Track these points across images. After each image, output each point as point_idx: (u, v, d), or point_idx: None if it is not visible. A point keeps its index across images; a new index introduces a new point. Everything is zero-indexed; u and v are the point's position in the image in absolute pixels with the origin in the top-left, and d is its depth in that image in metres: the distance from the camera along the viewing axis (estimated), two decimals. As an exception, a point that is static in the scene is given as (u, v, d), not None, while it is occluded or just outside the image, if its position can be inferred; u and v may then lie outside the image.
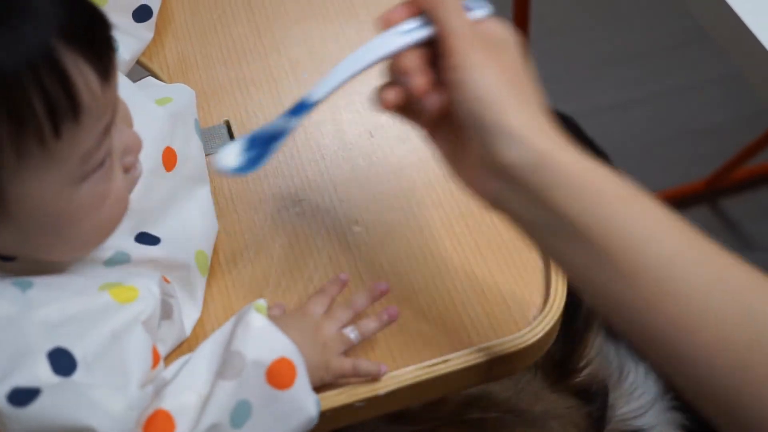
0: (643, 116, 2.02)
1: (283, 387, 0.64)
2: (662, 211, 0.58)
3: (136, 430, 0.61)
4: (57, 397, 0.58)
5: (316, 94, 0.65)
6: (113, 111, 0.60)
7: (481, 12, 0.64)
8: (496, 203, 0.63)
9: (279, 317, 0.70)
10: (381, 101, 0.64)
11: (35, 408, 0.58)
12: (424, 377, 0.72)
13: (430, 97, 0.63)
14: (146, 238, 0.71)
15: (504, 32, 0.63)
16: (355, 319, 0.72)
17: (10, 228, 0.60)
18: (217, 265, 0.78)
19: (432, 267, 0.78)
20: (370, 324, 0.73)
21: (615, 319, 0.59)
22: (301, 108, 0.65)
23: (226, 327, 0.68)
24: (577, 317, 0.98)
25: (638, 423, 1.00)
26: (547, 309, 0.75)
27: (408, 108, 0.66)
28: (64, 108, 0.54)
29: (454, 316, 0.75)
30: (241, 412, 0.63)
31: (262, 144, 0.65)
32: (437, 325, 0.75)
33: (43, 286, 0.63)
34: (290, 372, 0.65)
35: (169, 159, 0.75)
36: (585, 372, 0.98)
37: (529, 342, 0.74)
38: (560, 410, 0.94)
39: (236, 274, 0.78)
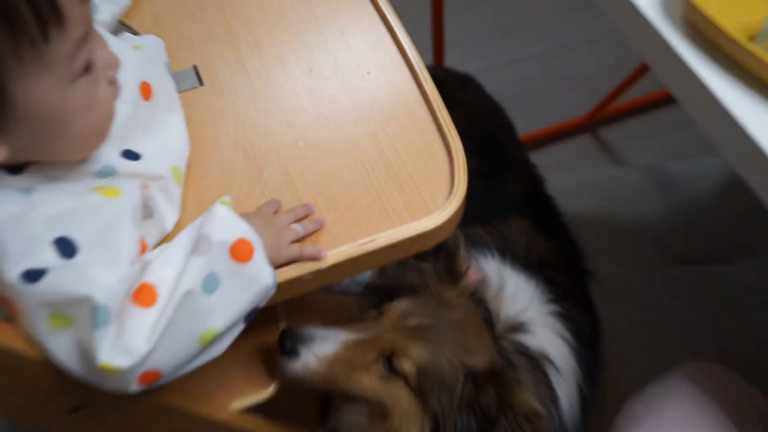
0: (535, 70, 2.03)
1: (244, 260, 0.64)
2: None
3: (125, 299, 0.60)
4: (60, 275, 0.58)
5: None
6: (89, 22, 0.59)
7: None
8: None
9: (244, 213, 0.68)
10: None
11: (43, 284, 0.57)
12: (357, 253, 0.72)
13: None
14: (130, 155, 0.69)
15: None
16: (298, 221, 0.72)
17: (20, 131, 0.59)
18: (190, 177, 0.76)
19: (360, 170, 0.77)
20: (309, 224, 0.73)
21: None
22: None
23: (196, 221, 0.66)
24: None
25: (523, 318, 1.00)
26: (452, 197, 0.74)
27: None
28: (49, 15, 0.54)
29: (379, 206, 0.74)
30: (211, 282, 0.62)
31: None
32: (366, 214, 0.74)
33: (42, 191, 0.62)
34: (249, 249, 0.64)
35: (146, 90, 0.73)
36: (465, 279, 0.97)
37: (439, 223, 0.73)
38: (470, 314, 0.94)
39: (207, 183, 0.76)
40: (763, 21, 0.79)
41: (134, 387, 0.61)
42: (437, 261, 0.98)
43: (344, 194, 0.75)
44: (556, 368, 0.98)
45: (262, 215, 0.70)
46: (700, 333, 1.46)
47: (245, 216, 0.67)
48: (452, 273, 0.95)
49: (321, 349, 0.85)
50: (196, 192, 0.75)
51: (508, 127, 1.40)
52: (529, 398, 0.87)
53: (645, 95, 1.92)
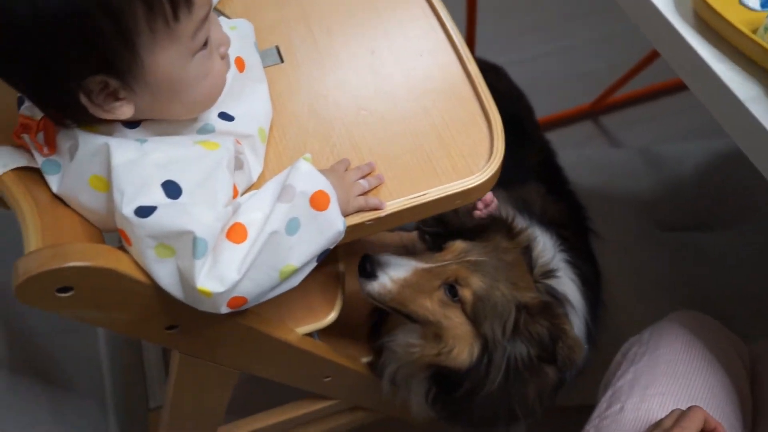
0: (549, 65, 1.96)
1: (321, 209, 0.62)
2: None
3: (220, 235, 0.58)
4: (167, 212, 0.56)
5: None
6: (209, 5, 0.58)
7: None
8: None
9: (322, 169, 0.66)
10: None
11: (153, 219, 0.56)
12: (410, 205, 0.69)
13: None
14: (225, 116, 0.67)
15: None
16: (364, 177, 0.70)
17: (145, 94, 0.57)
18: (272, 138, 0.73)
19: (413, 136, 0.74)
20: (372, 180, 0.70)
21: None
22: None
23: (283, 173, 0.64)
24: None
25: (550, 266, 0.98)
26: (491, 160, 0.71)
27: None
28: (181, 0, 0.53)
29: (429, 167, 0.71)
30: (293, 225, 0.60)
31: None
32: (418, 173, 0.71)
33: (154, 141, 0.61)
34: (326, 200, 0.62)
35: (240, 64, 0.71)
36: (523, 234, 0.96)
37: (480, 182, 0.70)
38: (520, 259, 0.92)
39: (285, 143, 0.73)
40: (765, 17, 0.74)
41: (223, 309, 0.60)
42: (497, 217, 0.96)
43: (399, 156, 0.72)
44: (573, 307, 0.95)
45: (335, 171, 0.68)
46: (681, 288, 1.42)
47: (322, 171, 0.65)
48: (510, 228, 0.94)
49: (395, 273, 0.85)
50: (277, 150, 0.72)
51: (529, 110, 1.36)
52: (573, 328, 0.86)
53: (640, 88, 1.86)
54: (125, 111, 0.57)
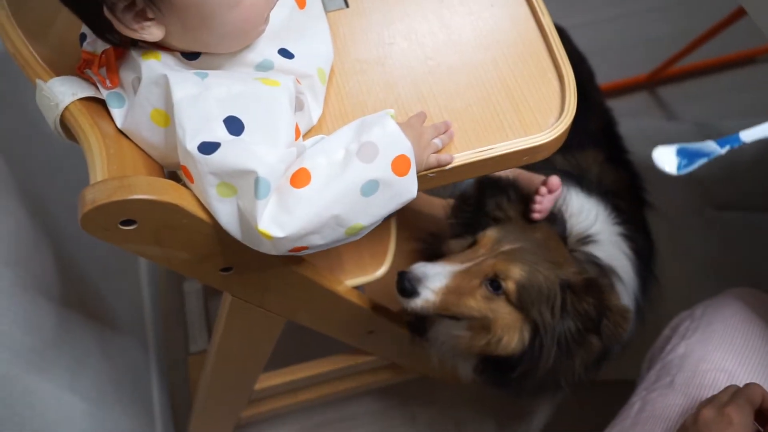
0: (609, 30, 1.89)
1: (401, 174, 0.59)
2: None
3: (284, 178, 0.57)
4: (230, 149, 0.55)
5: (747, 136, 0.52)
6: None
7: None
8: None
9: (400, 123, 0.62)
10: None
11: (217, 156, 0.55)
12: (475, 159, 0.67)
13: None
14: (285, 53, 0.65)
15: None
16: (437, 134, 0.67)
17: (172, 18, 0.56)
18: (333, 82, 0.71)
19: (481, 88, 0.71)
20: (445, 137, 0.67)
21: None
22: (728, 142, 0.53)
23: (357, 123, 0.61)
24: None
25: (590, 232, 0.95)
26: (562, 118, 0.69)
27: None
28: None
29: (496, 121, 0.69)
30: (370, 187, 0.58)
31: (689, 156, 0.53)
32: (485, 127, 0.69)
33: (214, 75, 0.59)
34: (407, 165, 0.59)
35: (301, 0, 0.68)
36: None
37: (549, 140, 0.68)
38: (549, 233, 0.90)
39: (348, 89, 0.71)
40: None
41: (284, 252, 0.59)
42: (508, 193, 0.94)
43: (466, 109, 0.70)
44: (620, 279, 0.93)
45: (413, 128, 0.64)
46: (732, 269, 1.39)
47: (402, 128, 0.61)
48: (525, 200, 0.91)
49: (434, 284, 0.83)
50: (339, 95, 0.70)
51: (590, 74, 1.32)
52: (619, 299, 0.84)
53: (702, 60, 1.78)
54: (154, 32, 0.56)
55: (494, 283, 0.84)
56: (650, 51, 1.80)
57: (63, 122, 0.61)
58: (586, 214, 0.97)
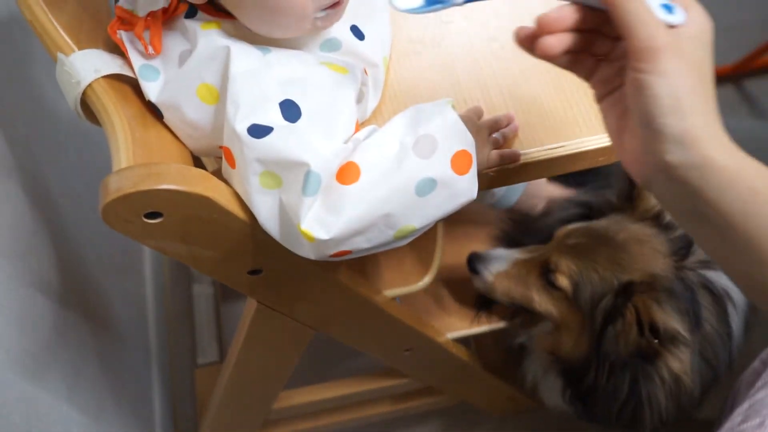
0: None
1: (461, 173, 0.59)
2: None
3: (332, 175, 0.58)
4: (283, 136, 0.56)
5: None
6: None
7: (678, 18, 0.50)
8: (646, 185, 0.53)
9: (460, 115, 0.62)
10: (541, 48, 0.52)
11: (267, 141, 0.56)
12: (543, 157, 0.68)
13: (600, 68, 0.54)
14: (356, 31, 0.66)
15: (699, 29, 0.50)
16: (498, 128, 0.68)
17: None
18: (390, 64, 0.73)
19: (552, 77, 0.71)
20: (508, 131, 0.68)
21: (744, 286, 0.53)
22: None
23: (411, 113, 0.62)
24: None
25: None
26: (645, 113, 0.69)
27: (577, 63, 0.55)
28: None
29: (568, 114, 0.69)
30: (426, 185, 0.58)
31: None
32: (555, 120, 0.69)
33: (277, 52, 0.61)
34: (468, 162, 0.60)
35: None
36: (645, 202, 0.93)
37: (629, 138, 0.68)
38: (641, 236, 0.90)
39: (401, 73, 0.72)
40: None
41: (323, 257, 0.60)
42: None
43: (534, 99, 0.70)
44: (734, 305, 0.93)
45: (470, 121, 0.64)
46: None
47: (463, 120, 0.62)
48: (631, 199, 0.93)
49: (495, 267, 0.95)
50: (390, 81, 0.72)
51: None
52: (669, 319, 0.84)
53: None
54: None
55: (548, 276, 0.90)
56: (736, 38, 1.77)
57: (83, 102, 0.62)
58: None
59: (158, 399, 1.31)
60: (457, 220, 1.06)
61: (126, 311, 1.26)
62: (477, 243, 1.04)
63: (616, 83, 0.54)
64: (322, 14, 0.61)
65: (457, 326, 1.02)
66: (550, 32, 0.52)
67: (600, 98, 0.57)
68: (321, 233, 0.56)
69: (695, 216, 0.51)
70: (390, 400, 1.25)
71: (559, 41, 0.52)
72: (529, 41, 0.53)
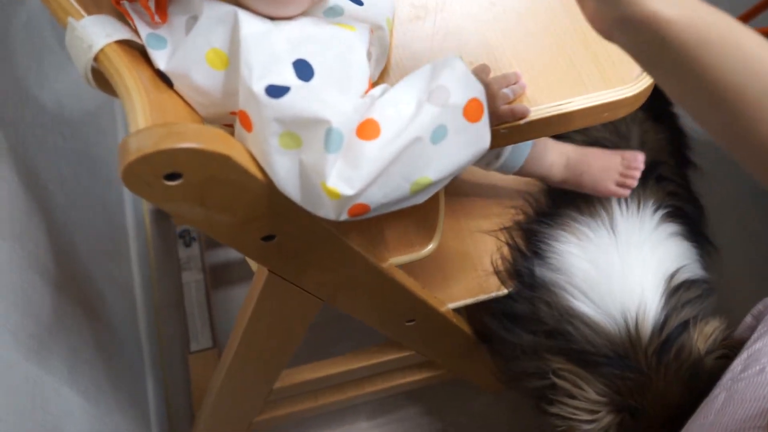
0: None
1: (473, 120, 0.60)
2: (760, 46, 0.49)
3: (353, 130, 0.58)
4: (302, 95, 0.57)
5: None
6: None
7: None
8: (609, 38, 0.56)
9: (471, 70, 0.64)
10: None
11: (286, 100, 0.56)
12: (551, 113, 0.69)
13: None
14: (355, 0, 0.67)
15: None
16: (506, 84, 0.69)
17: None
18: (394, 27, 0.74)
19: (555, 37, 0.74)
20: (516, 88, 0.69)
21: (707, 129, 0.54)
22: None
23: (424, 70, 0.63)
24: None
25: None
26: (647, 69, 0.71)
27: None
28: None
29: (572, 73, 0.71)
30: (439, 133, 0.59)
31: None
32: (560, 78, 0.71)
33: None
34: (480, 110, 0.61)
35: None
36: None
37: (633, 93, 0.70)
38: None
39: (408, 38, 0.74)
40: None
41: (344, 216, 0.60)
42: None
43: (539, 59, 0.72)
44: None
45: (480, 76, 0.65)
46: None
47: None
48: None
49: None
50: (396, 45, 0.73)
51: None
52: None
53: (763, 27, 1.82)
54: None
55: None
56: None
57: (93, 69, 0.62)
58: None
59: (151, 386, 1.30)
60: (456, 192, 1.07)
61: (115, 299, 1.25)
62: (479, 216, 1.06)
63: None
64: None
65: (458, 296, 1.03)
66: None
67: None
68: (346, 189, 0.57)
69: (650, 63, 0.54)
70: (382, 378, 1.26)
71: None
72: None
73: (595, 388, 0.92)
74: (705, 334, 0.94)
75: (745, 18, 1.62)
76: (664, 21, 0.50)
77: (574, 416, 0.92)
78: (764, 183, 0.53)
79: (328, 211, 0.60)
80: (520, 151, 0.95)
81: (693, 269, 1.03)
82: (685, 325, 0.94)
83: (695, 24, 0.50)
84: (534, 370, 0.98)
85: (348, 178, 0.57)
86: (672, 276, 0.98)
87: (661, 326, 0.94)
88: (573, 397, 0.92)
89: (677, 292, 0.97)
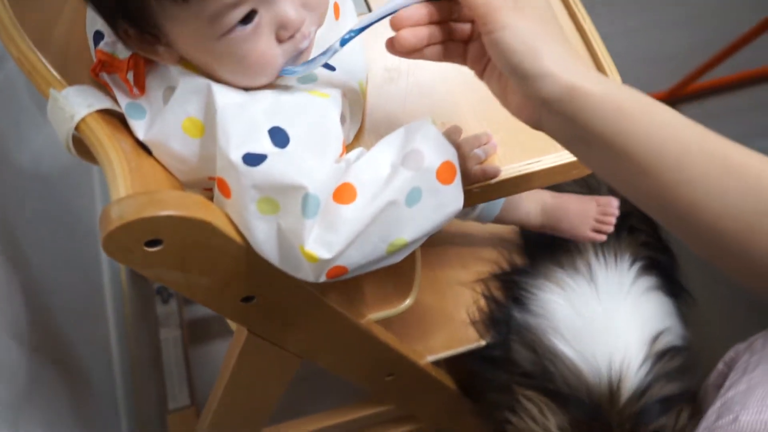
0: (624, 44, 1.96)
1: (446, 182, 0.62)
2: (671, 114, 0.54)
3: (330, 195, 0.60)
4: (277, 162, 0.58)
5: (355, 30, 0.62)
6: None
7: None
8: (538, 126, 0.60)
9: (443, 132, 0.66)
10: (399, 42, 0.60)
11: (262, 168, 0.58)
12: (522, 172, 0.72)
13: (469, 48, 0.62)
14: (327, 66, 0.69)
15: None
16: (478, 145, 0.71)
17: (178, 50, 0.61)
18: (368, 89, 0.77)
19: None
20: (489, 148, 0.72)
21: (637, 201, 0.57)
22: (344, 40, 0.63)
23: (398, 134, 0.65)
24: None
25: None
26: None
27: (448, 52, 0.63)
28: None
29: (541, 134, 0.73)
30: (414, 196, 0.61)
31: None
32: (529, 138, 0.72)
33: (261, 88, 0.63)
34: (452, 172, 0.63)
35: (336, 10, 0.73)
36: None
37: (599, 151, 0.72)
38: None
39: (380, 102, 0.76)
40: None
41: (323, 278, 0.61)
42: None
43: (509, 119, 0.72)
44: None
45: (452, 138, 0.67)
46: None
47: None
48: None
49: None
50: (370, 106, 0.75)
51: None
52: None
53: (725, 76, 1.88)
54: (166, 57, 0.61)
55: None
56: (669, 67, 1.89)
57: (74, 137, 0.63)
58: None
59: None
60: (433, 243, 1.09)
61: (92, 359, 1.24)
62: (456, 267, 1.07)
63: (486, 57, 0.62)
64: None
65: (437, 349, 1.04)
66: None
67: (480, 74, 0.64)
68: (324, 253, 0.58)
69: (577, 140, 0.57)
70: (370, 428, 1.26)
71: (413, 34, 0.60)
72: (390, 44, 0.61)
73: (558, 420, 0.92)
74: (681, 425, 0.95)
75: (738, 45, 1.67)
76: (582, 92, 0.53)
77: None
78: (697, 253, 0.57)
79: (307, 273, 0.61)
80: (495, 202, 0.97)
81: (675, 331, 1.04)
82: (666, 403, 0.95)
83: (610, 95, 0.54)
84: (506, 403, 0.98)
85: (326, 242, 0.58)
86: (656, 338, 0.99)
87: (642, 391, 0.95)
88: (535, 421, 0.93)
89: (662, 359, 0.98)
